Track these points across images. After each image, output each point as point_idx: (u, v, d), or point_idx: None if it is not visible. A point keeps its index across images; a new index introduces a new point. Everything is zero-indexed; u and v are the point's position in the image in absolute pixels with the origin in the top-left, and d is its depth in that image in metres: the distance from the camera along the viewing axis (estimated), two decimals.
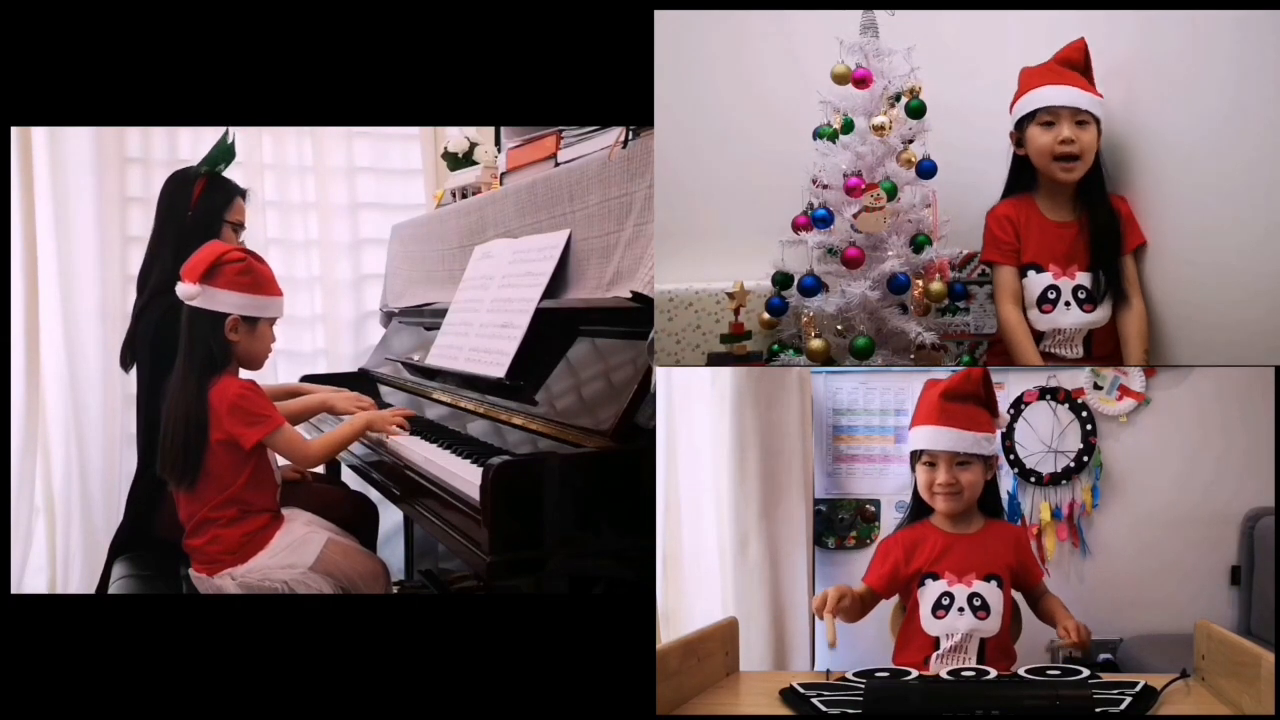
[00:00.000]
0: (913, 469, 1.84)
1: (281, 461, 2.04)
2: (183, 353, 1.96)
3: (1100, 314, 1.93)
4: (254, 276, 1.96)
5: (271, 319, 2.01)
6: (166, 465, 1.95)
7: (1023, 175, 1.99)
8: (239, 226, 2.47)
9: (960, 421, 1.78)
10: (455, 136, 3.13)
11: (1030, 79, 1.95)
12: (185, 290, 1.93)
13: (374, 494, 2.36)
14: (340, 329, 3.42)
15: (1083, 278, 1.93)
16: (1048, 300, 1.94)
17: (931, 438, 1.79)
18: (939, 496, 1.79)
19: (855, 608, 1.75)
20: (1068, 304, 1.94)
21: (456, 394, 2.18)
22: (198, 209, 2.41)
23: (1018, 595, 1.83)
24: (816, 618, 1.72)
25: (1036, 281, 1.95)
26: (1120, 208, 1.94)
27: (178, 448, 1.93)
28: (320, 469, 2.63)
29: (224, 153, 2.47)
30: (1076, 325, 1.94)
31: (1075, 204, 1.96)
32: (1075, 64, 1.93)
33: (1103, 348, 1.96)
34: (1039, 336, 1.96)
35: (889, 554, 1.83)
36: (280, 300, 2.02)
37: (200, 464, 1.92)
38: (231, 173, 2.51)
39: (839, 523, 2.15)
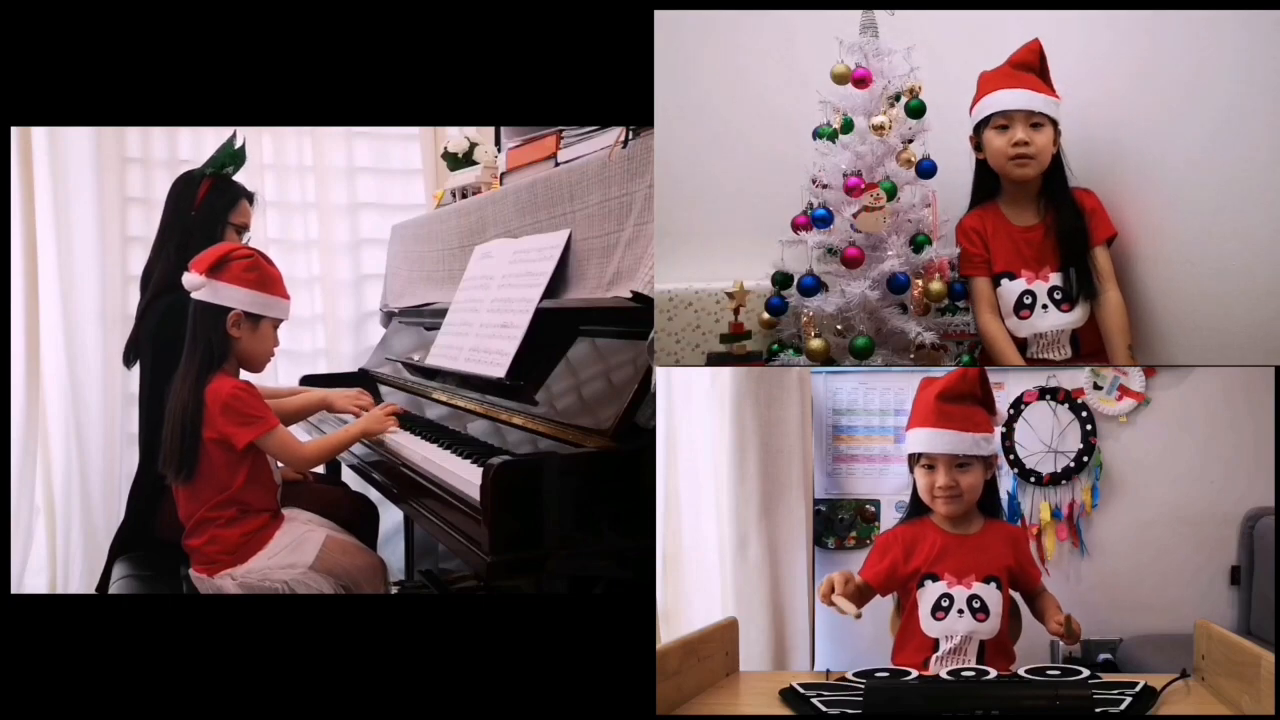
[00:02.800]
0: (911, 471, 1.84)
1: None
2: (187, 347, 1.97)
3: (1079, 313, 1.92)
4: (260, 274, 1.98)
5: (275, 320, 2.02)
6: (165, 457, 1.96)
7: (985, 180, 2.00)
8: (243, 229, 2.48)
9: (958, 423, 1.77)
10: (455, 136, 3.13)
11: (986, 83, 1.95)
12: (190, 280, 1.94)
13: (374, 494, 2.36)
14: (340, 329, 3.42)
15: (1056, 278, 1.93)
16: (1024, 306, 1.94)
17: (929, 440, 1.78)
18: (939, 500, 1.79)
19: (854, 598, 1.75)
20: (1045, 307, 1.93)
21: (456, 394, 2.18)
22: (201, 209, 2.42)
23: (1016, 594, 1.83)
24: (823, 604, 1.71)
25: (1010, 289, 1.95)
26: (1085, 201, 1.93)
27: (175, 441, 1.93)
28: (320, 469, 2.63)
29: (230, 156, 2.48)
30: (1057, 327, 1.93)
31: (1039, 205, 1.96)
32: (1030, 66, 1.93)
33: (1090, 345, 1.95)
34: (1023, 344, 1.95)
35: (888, 550, 1.82)
36: (285, 303, 2.03)
37: (195, 460, 1.93)
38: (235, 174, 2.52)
39: (839, 523, 2.15)
